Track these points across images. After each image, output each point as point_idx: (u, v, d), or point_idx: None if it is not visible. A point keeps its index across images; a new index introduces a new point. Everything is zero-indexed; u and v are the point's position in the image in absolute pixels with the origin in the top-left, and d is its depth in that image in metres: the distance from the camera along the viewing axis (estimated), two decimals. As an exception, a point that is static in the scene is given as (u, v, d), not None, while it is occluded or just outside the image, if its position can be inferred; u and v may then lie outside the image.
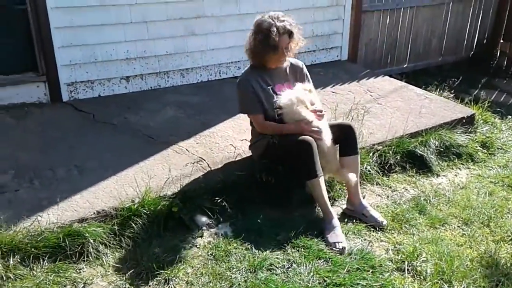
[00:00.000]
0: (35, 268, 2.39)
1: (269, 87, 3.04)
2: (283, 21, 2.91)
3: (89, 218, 2.67)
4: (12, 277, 2.32)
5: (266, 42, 2.88)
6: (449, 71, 6.64)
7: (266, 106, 3.02)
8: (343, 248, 2.70)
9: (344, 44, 5.73)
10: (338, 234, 2.79)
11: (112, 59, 4.29)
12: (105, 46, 4.20)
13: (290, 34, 2.92)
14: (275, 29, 2.86)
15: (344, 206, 3.17)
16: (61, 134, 3.62)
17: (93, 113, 3.98)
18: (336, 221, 2.85)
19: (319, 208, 2.97)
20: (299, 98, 2.94)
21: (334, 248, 2.68)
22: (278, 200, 3.04)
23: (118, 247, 2.59)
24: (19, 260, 2.38)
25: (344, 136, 3.08)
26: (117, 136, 3.63)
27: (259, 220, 2.86)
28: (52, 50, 3.98)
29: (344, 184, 3.20)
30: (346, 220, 3.06)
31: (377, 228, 3.02)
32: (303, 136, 2.85)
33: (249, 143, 3.29)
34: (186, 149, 3.49)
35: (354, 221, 3.06)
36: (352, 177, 3.03)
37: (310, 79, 3.28)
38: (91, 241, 2.49)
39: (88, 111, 4.03)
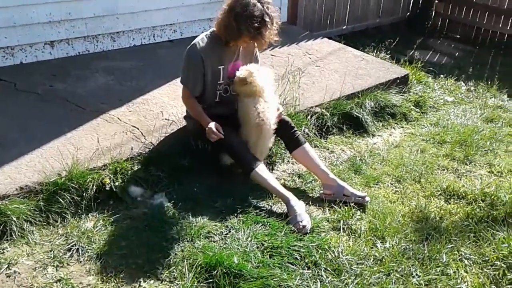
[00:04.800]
0: (-49, 252, 2.22)
1: (221, 67, 2.93)
2: (271, 9, 2.77)
3: (12, 194, 2.49)
4: None
5: (256, 30, 2.72)
6: (386, 32, 6.73)
7: (209, 88, 2.94)
8: (304, 226, 2.58)
9: (283, 6, 5.61)
10: (298, 213, 2.65)
11: (34, 22, 3.96)
12: (25, 8, 3.86)
13: (276, 24, 2.81)
14: (268, 19, 2.72)
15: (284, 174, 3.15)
16: (-22, 105, 3.34)
17: (14, 82, 3.69)
18: (293, 201, 2.71)
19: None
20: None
21: (296, 228, 2.58)
22: (215, 168, 2.98)
23: (45, 224, 2.45)
24: None
25: (284, 132, 3.02)
26: (42, 106, 3.40)
27: (195, 189, 2.80)
28: (-37, 13, 3.62)
29: (310, 171, 3.13)
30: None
31: (314, 190, 3.06)
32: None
33: (185, 113, 3.18)
34: (118, 118, 3.33)
35: (297, 186, 3.08)
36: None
37: (259, 62, 3.22)
38: (14, 219, 2.33)
39: (9, 80, 3.73)
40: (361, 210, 2.87)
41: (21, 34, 3.94)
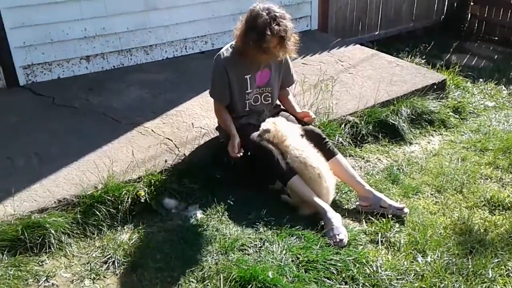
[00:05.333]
0: (-6, 263, 2.26)
1: (247, 76, 2.92)
2: (280, 23, 2.67)
3: (50, 207, 2.54)
4: (-31, 274, 2.19)
5: (258, 44, 2.69)
6: (420, 36, 6.57)
7: (237, 97, 2.95)
8: (341, 240, 2.50)
9: (313, 13, 5.58)
10: (335, 226, 2.56)
11: (69, 38, 4.07)
12: (60, 25, 3.97)
13: (284, 38, 2.71)
14: (269, 33, 2.65)
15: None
16: (19, 120, 3.44)
17: (53, 97, 3.79)
18: (330, 213, 2.63)
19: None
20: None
21: (333, 241, 2.50)
22: (247, 180, 2.95)
23: (82, 236, 2.47)
24: (-24, 256, 2.25)
25: (315, 144, 2.91)
26: (79, 120, 3.47)
27: (229, 201, 2.77)
28: (3, 32, 3.74)
29: (344, 182, 3.04)
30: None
31: (350, 201, 2.98)
32: (262, 142, 2.77)
33: (217, 124, 3.18)
34: (152, 130, 3.35)
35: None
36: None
37: (292, 71, 3.18)
38: (53, 231, 2.36)
39: (47, 94, 3.83)
40: (400, 222, 2.77)
41: (58, 50, 4.06)
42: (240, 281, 2.18)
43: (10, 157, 2.98)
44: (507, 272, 2.41)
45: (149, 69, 4.43)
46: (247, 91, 2.95)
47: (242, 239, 2.51)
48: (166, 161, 2.92)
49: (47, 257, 2.32)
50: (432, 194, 3.11)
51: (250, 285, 2.14)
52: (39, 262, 2.29)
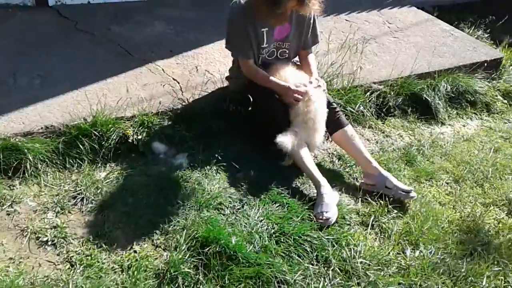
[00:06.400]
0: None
1: (264, 30, 2.63)
2: None
3: (36, 132, 2.49)
4: None
5: (271, 7, 2.42)
6: (498, 7, 5.84)
7: (255, 51, 2.68)
8: (327, 219, 2.28)
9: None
10: (326, 203, 2.35)
11: (103, -38, 3.92)
12: None
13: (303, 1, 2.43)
14: None
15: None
16: (36, 40, 3.38)
17: (76, 21, 3.70)
18: (325, 189, 2.41)
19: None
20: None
21: (318, 219, 2.30)
22: (248, 136, 2.76)
23: (61, 167, 2.41)
24: None
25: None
26: (94, 48, 3.37)
27: (220, 155, 2.60)
28: None
29: (351, 157, 2.80)
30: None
31: (352, 176, 2.74)
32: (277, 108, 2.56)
33: (228, 73, 2.97)
34: (162, 69, 3.20)
35: (335, 168, 2.78)
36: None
37: (318, 30, 2.82)
38: (30, 157, 2.31)
39: (72, 18, 3.74)
40: (401, 208, 2.51)
41: (90, -27, 3.93)
42: (202, 241, 2.05)
43: (15, 74, 2.94)
44: (504, 285, 2.13)
45: (182, 5, 4.22)
46: (262, 46, 2.68)
47: (221, 198, 2.36)
48: (160, 103, 2.77)
49: (19, 182, 2.28)
50: (447, 183, 2.80)
51: (209, 248, 2.00)
52: (10, 186, 2.26)
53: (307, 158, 2.51)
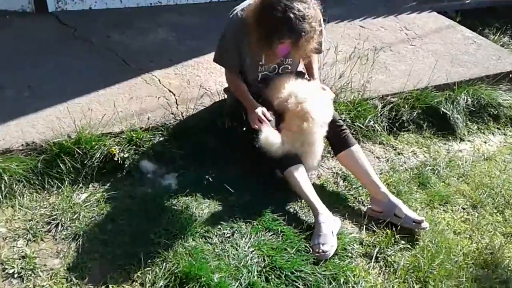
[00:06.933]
0: None
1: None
2: (294, 27, 2.07)
3: (16, 149, 2.34)
4: None
5: (262, 44, 2.20)
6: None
7: (248, 67, 2.47)
8: (324, 252, 2.05)
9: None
10: (323, 234, 2.11)
11: (105, -33, 3.78)
12: (94, -49, 3.69)
13: (297, 43, 2.16)
14: (277, 40, 2.14)
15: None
16: (31, 49, 3.25)
17: (75, 28, 3.57)
18: (324, 217, 2.16)
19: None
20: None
21: (314, 251, 2.08)
22: (243, 155, 2.54)
23: (40, 188, 2.25)
24: None
25: (329, 130, 2.39)
26: (90, 57, 3.22)
27: (212, 175, 2.40)
28: (34, -48, 3.54)
29: (357, 179, 2.54)
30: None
31: (357, 199, 2.50)
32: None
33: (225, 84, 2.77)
34: (159, 80, 3.03)
35: (339, 190, 2.54)
36: None
37: (323, 39, 2.52)
38: (5, 178, 2.16)
39: (71, 25, 3.61)
40: (410, 238, 2.26)
41: (91, -21, 3.79)
42: (182, 277, 1.85)
43: (4, 85, 2.81)
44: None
45: (187, 11, 4.04)
46: (260, 63, 2.46)
47: (209, 224, 2.16)
48: (149, 118, 2.59)
49: (-7, 206, 2.13)
50: (464, 209, 2.53)
51: (188, 286, 1.80)
52: (-18, 209, 2.11)
53: (304, 181, 2.27)
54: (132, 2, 4.01)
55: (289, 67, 2.56)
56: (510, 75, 3.48)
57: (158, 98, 2.82)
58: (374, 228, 2.29)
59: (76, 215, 2.12)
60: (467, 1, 5.42)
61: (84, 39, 3.43)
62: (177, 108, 2.77)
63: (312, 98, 2.32)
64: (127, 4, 4.00)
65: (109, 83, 2.92)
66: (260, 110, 2.33)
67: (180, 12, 4.02)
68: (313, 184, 2.53)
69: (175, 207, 2.24)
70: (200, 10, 4.07)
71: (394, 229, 2.25)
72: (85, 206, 2.18)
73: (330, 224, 2.15)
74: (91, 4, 3.90)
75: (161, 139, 2.56)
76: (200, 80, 3.08)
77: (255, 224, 2.19)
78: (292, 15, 2.05)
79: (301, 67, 2.73)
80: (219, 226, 2.17)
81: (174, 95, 2.89)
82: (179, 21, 3.85)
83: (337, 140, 2.47)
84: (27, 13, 3.74)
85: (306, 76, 2.67)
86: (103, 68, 3.10)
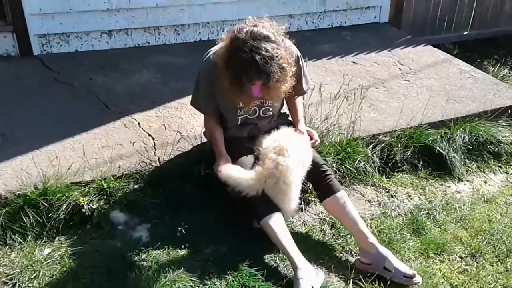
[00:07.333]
0: None
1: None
2: (262, 67, 1.95)
3: (-22, 202, 2.21)
4: None
5: (236, 84, 2.06)
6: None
7: (226, 112, 2.36)
8: None
9: (384, 3, 4.75)
10: None
11: (91, 9, 3.74)
12: (81, -6, 3.66)
13: (267, 83, 2.05)
14: (245, 80, 2.03)
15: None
16: (12, 94, 3.18)
17: (58, 71, 3.50)
18: (303, 273, 1.96)
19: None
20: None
21: None
22: (221, 203, 2.39)
23: (2, 243, 2.11)
24: None
25: (313, 176, 2.28)
26: (69, 101, 3.13)
27: (186, 226, 2.24)
28: (19, -3, 3.52)
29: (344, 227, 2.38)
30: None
31: (345, 249, 2.31)
32: None
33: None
34: (139, 123, 2.91)
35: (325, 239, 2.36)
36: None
37: (304, 79, 2.42)
38: (-38, 235, 2.03)
39: (55, 68, 3.55)
40: (401, 293, 2.06)
41: (77, 22, 3.75)
42: None
43: (-23, 133, 2.72)
44: None
45: (176, 51, 3.98)
46: (238, 106, 2.34)
47: (180, 282, 1.98)
48: (120, 167, 2.45)
49: None
50: (462, 258, 2.33)
51: None
52: None
53: (281, 231, 2.09)
54: (119, 43, 3.96)
55: (271, 109, 2.43)
56: (509, 110, 3.31)
57: (134, 143, 2.69)
58: (362, 283, 2.09)
59: (35, 274, 1.96)
60: (465, 33, 5.34)
61: (66, 82, 3.36)
62: (154, 153, 2.64)
63: (288, 137, 2.18)
64: (114, 45, 3.95)
65: (86, 128, 2.81)
66: (224, 161, 2.20)
67: (168, 51, 3.96)
68: (297, 232, 2.39)
69: (144, 262, 2.07)
70: (189, 49, 4.01)
71: (383, 284, 2.05)
72: (46, 263, 2.02)
73: (310, 280, 1.96)
74: (77, 46, 3.85)
75: (135, 186, 2.42)
76: (182, 122, 2.96)
77: (230, 280, 2.01)
78: (258, 57, 1.94)
79: (285, 109, 2.60)
80: (191, 284, 1.99)
81: (153, 139, 2.77)
82: (166, 61, 3.78)
83: (321, 186, 2.31)
84: (11, 57, 3.70)
85: (290, 118, 2.55)
86: (82, 113, 3.00)
